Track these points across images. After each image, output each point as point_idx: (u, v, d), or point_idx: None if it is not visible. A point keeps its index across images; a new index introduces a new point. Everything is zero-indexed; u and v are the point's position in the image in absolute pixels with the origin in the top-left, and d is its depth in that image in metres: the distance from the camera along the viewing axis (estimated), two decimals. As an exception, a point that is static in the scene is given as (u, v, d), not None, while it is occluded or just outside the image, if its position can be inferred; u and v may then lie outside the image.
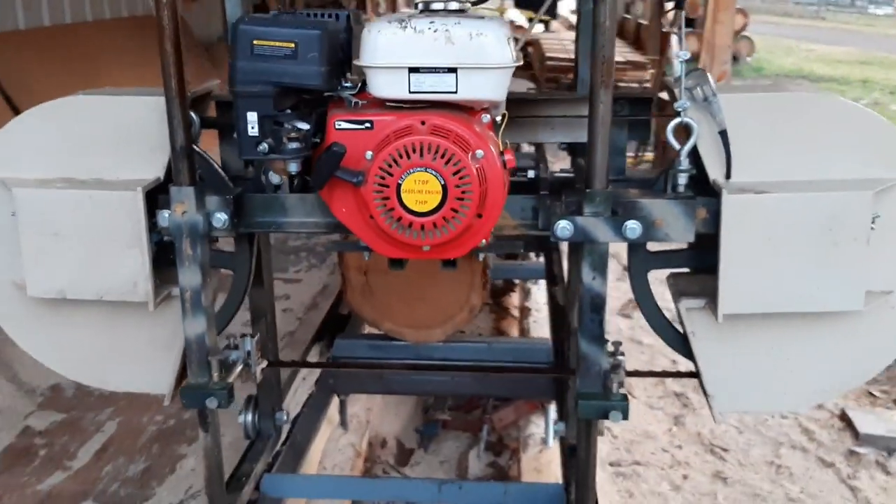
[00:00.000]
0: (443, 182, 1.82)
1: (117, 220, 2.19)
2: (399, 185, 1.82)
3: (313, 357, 3.59)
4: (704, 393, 2.31)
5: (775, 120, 2.14)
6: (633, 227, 2.07)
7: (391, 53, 1.82)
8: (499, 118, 1.96)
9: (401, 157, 1.82)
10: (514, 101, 2.31)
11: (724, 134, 2.12)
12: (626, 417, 2.14)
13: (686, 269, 2.42)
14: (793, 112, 2.13)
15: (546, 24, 19.24)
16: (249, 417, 2.85)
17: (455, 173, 1.82)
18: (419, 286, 3.35)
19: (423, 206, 1.83)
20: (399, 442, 4.01)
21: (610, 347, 2.23)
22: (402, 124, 1.85)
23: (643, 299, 2.31)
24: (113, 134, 2.26)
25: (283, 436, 3.04)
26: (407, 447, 4.00)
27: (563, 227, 2.08)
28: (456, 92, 1.84)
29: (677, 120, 2.12)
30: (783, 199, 2.07)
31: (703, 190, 2.15)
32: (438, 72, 1.82)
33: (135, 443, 4.38)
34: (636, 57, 12.71)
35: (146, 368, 2.39)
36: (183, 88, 2.01)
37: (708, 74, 2.14)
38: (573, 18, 19.51)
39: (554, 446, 3.66)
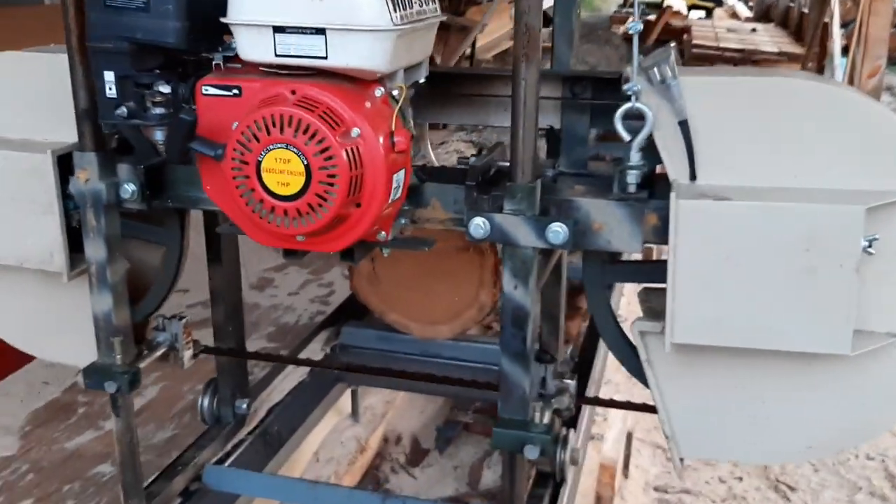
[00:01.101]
0: (306, 162, 1.56)
1: (31, 185, 2.06)
2: (259, 163, 1.58)
3: (318, 344, 3.41)
4: (663, 432, 1.94)
5: (754, 110, 1.73)
6: (556, 230, 1.73)
7: (255, 9, 1.58)
8: (397, 92, 1.67)
9: (259, 129, 1.57)
10: (462, 76, 2.02)
11: (683, 125, 1.74)
12: (544, 454, 1.82)
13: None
14: (777, 101, 1.72)
15: (709, 11, 18.21)
16: (206, 402, 2.69)
17: (319, 153, 1.55)
18: (427, 278, 3.09)
19: (285, 189, 1.58)
20: (415, 440, 3.78)
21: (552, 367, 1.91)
22: (270, 92, 1.60)
23: (599, 317, 1.96)
24: (46, 93, 2.13)
25: (255, 424, 2.87)
26: (423, 447, 3.75)
27: (478, 224, 1.77)
28: (326, 57, 1.57)
29: (627, 105, 1.76)
30: (748, 208, 1.68)
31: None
32: (305, 32, 1.56)
33: (169, 410, 4.35)
34: (793, 48, 11.75)
35: (72, 340, 2.26)
36: (83, 45, 1.84)
37: (672, 52, 1.76)
38: (739, 7, 18.41)
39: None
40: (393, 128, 1.64)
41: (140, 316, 2.30)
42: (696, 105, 1.75)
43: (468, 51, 9.23)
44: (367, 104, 1.65)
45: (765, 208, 1.67)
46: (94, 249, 2.04)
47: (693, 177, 1.78)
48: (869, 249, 1.65)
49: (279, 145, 1.56)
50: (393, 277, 3.14)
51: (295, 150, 1.56)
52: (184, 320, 2.26)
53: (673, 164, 1.79)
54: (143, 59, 1.64)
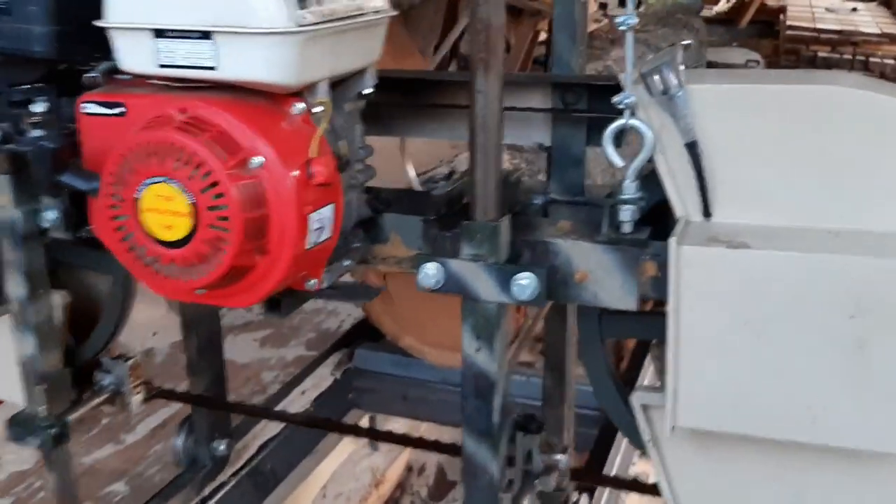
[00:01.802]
0: (191, 200, 1.23)
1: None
2: (137, 201, 1.26)
3: (328, 367, 3.11)
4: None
5: (786, 127, 1.32)
6: (522, 282, 1.36)
7: (131, 9, 1.25)
8: (319, 109, 1.32)
9: (136, 160, 1.25)
10: (435, 83, 1.66)
11: (692, 147, 1.34)
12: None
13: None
14: (815, 116, 1.30)
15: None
16: (180, 443, 2.41)
17: (206, 189, 1.22)
18: (444, 300, 2.75)
19: (169, 233, 1.26)
20: (440, 470, 3.45)
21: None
22: (157, 112, 1.28)
23: (595, 377, 1.58)
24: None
25: (241, 464, 2.58)
26: (449, 479, 3.42)
27: (428, 272, 1.41)
28: (215, 68, 1.23)
29: (619, 122, 1.36)
30: (773, 259, 1.27)
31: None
32: (190, 37, 1.23)
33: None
34: (896, 29, 10.81)
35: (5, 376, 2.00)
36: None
37: (679, 51, 1.36)
38: (843, -18, 17.22)
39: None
40: (313, 154, 1.29)
41: (88, 355, 2.03)
42: (711, 121, 1.34)
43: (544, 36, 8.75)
44: (285, 124, 1.30)
45: (795, 260, 1.26)
46: (13, 286, 1.77)
47: (707, 213, 1.38)
48: None
49: (158, 179, 1.24)
50: (408, 297, 2.81)
51: (177, 184, 1.23)
52: (130, 361, 1.97)
53: (680, 198, 1.39)
54: (11, 73, 1.34)
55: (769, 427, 1.33)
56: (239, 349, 4.41)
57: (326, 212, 1.34)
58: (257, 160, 1.24)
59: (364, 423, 3.29)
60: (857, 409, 1.27)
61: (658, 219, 1.42)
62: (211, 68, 1.23)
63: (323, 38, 1.26)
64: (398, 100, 1.70)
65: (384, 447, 3.37)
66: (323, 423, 2.24)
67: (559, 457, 1.66)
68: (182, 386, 2.47)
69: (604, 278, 1.39)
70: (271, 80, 1.23)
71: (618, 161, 1.37)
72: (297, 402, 2.92)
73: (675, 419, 1.38)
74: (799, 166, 1.32)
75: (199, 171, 1.22)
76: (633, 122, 1.35)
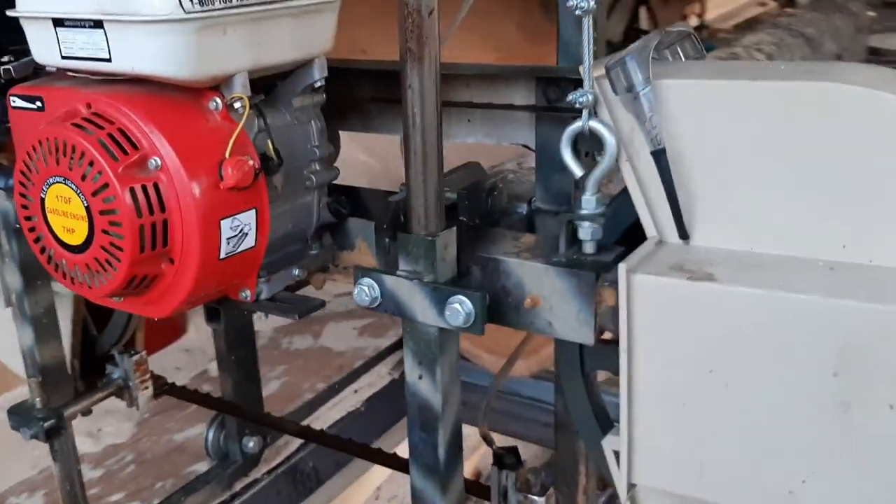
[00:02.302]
0: (86, 203, 1.14)
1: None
2: (43, 201, 1.19)
3: (386, 365, 3.00)
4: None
5: (778, 133, 1.08)
6: (455, 306, 1.18)
7: (35, -4, 1.17)
8: (240, 105, 1.19)
9: (38, 157, 1.17)
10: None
11: (658, 157, 1.12)
12: None
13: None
14: (814, 120, 1.05)
15: None
16: (211, 435, 2.38)
17: (98, 191, 1.13)
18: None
19: (71, 237, 1.18)
20: (509, 479, 3.27)
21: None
22: (68, 106, 1.20)
23: (577, 413, 1.38)
24: None
25: (280, 460, 2.53)
26: (517, 489, 3.24)
27: (363, 288, 1.26)
28: (110, 59, 1.13)
29: (576, 124, 1.16)
30: (740, 297, 1.03)
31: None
32: (84, 26, 1.13)
33: (284, 407, 4.16)
34: None
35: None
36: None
37: (652, 40, 1.14)
38: None
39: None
40: (227, 155, 1.17)
41: (105, 347, 2.01)
42: (686, 124, 1.12)
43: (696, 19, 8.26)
44: (201, 122, 1.19)
45: (766, 300, 1.02)
46: (11, 277, 1.76)
47: (683, 235, 1.15)
48: None
49: (57, 179, 1.16)
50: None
51: (73, 186, 1.14)
52: (136, 356, 1.93)
53: (653, 215, 1.17)
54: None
55: (738, 498, 1.10)
56: (337, 337, 4.39)
57: (245, 218, 1.22)
58: (155, 162, 1.13)
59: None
60: (841, 486, 1.02)
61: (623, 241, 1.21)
62: (107, 60, 1.13)
63: (232, 27, 1.13)
64: (385, 94, 1.56)
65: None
66: (340, 443, 2.12)
67: (535, 498, 1.47)
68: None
69: (559, 305, 1.20)
70: (163, 73, 1.11)
71: (576, 170, 1.17)
72: (348, 401, 2.83)
73: (632, 476, 1.17)
74: (792, 182, 1.08)
75: (91, 170, 1.13)
76: (593, 124, 1.15)
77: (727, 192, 1.12)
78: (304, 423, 2.68)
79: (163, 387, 2.04)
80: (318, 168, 1.38)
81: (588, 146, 1.18)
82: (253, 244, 1.25)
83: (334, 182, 1.42)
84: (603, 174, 1.16)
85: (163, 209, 1.15)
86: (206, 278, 1.21)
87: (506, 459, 1.47)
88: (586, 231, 1.18)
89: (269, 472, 2.47)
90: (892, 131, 1.00)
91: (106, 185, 1.12)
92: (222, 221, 1.18)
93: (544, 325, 1.22)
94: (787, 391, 1.03)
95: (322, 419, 2.73)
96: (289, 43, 1.24)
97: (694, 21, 9.01)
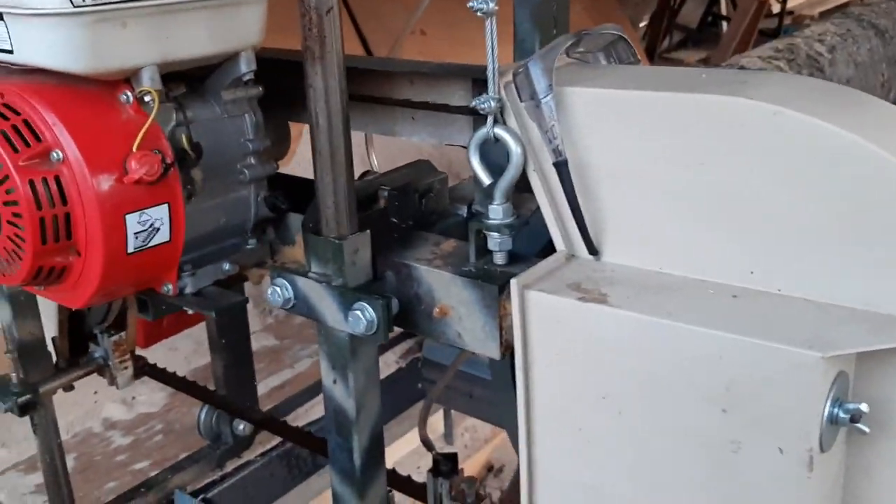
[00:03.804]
0: (-9, 194, 1.15)
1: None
2: (-42, 190, 1.20)
3: (395, 353, 2.98)
4: None
5: (683, 149, 1.00)
6: (356, 313, 1.15)
7: (-51, -16, 1.17)
8: (149, 98, 1.17)
9: (-49, 146, 1.18)
10: (360, 72, 1.46)
11: (560, 167, 1.05)
12: None
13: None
14: (719, 137, 0.97)
15: None
16: (204, 415, 2.40)
17: None
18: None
19: (-15, 226, 1.18)
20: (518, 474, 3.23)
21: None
22: (-15, 96, 1.20)
23: (509, 425, 1.34)
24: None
25: (275, 444, 2.54)
26: (527, 483, 3.20)
27: (276, 288, 1.24)
28: (12, 51, 1.13)
29: (482, 131, 1.10)
30: (629, 322, 0.97)
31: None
32: (-10, 17, 1.13)
33: (305, 384, 4.20)
34: None
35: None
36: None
37: (563, 43, 1.07)
38: None
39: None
40: (134, 148, 1.16)
41: (92, 324, 2.04)
42: (591, 134, 1.05)
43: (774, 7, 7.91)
44: (111, 115, 1.18)
45: (655, 327, 0.95)
46: (-13, 253, 1.79)
47: (592, 250, 1.09)
48: (859, 426, 0.88)
49: (-36, 169, 1.16)
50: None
51: (-21, 176, 1.14)
52: (116, 336, 1.95)
53: (562, 229, 1.11)
54: None
55: (631, 531, 1.04)
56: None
57: (155, 213, 1.20)
58: (57, 154, 1.13)
59: (439, 417, 3.14)
60: (726, 529, 0.95)
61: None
62: (9, 51, 1.13)
63: (133, 20, 1.11)
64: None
65: (462, 440, 3.21)
66: (315, 442, 2.10)
67: (474, 513, 1.43)
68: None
69: (466, 317, 1.15)
70: (59, 66, 1.10)
71: (483, 178, 1.12)
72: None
73: (531, 502, 1.12)
74: (698, 201, 1.00)
75: (-9, 162, 1.12)
76: (498, 131, 1.09)
77: (634, 208, 1.05)
78: (308, 405, 2.68)
79: (143, 368, 2.05)
80: (252, 162, 1.36)
81: (497, 154, 1.12)
82: (167, 239, 1.23)
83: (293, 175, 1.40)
84: (509, 184, 1.10)
85: (64, 202, 1.14)
86: (115, 272, 1.20)
87: (441, 466, 1.43)
88: (494, 241, 1.12)
89: (262, 454, 2.48)
90: (798, 152, 0.92)
91: (7, 177, 1.12)
92: (128, 216, 1.17)
93: (454, 336, 1.17)
94: (677, 425, 0.96)
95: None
96: (205, 37, 1.21)
97: (776, 7, 8.57)
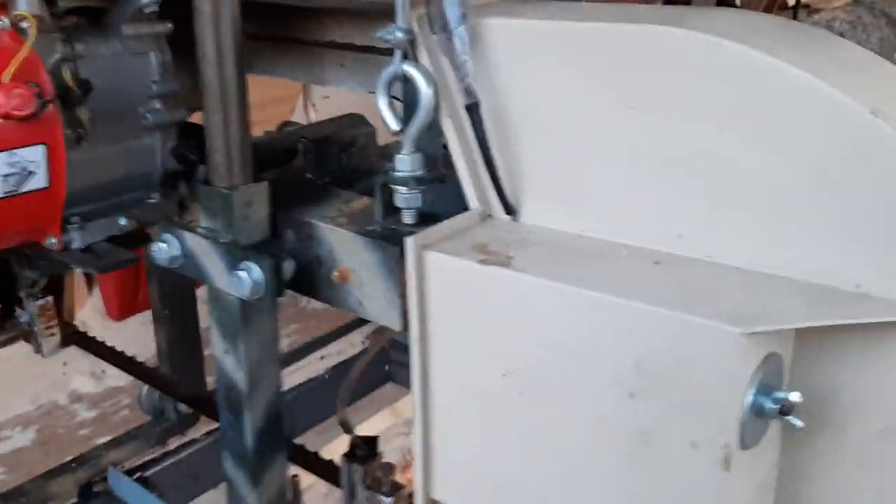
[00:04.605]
0: None
1: None
2: None
3: (360, 335, 2.85)
4: None
5: (609, 91, 0.86)
6: (240, 274, 1.01)
7: None
8: (26, 25, 1.04)
9: None
10: (287, 10, 1.33)
11: (471, 111, 0.92)
12: None
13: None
14: (652, 76, 0.83)
15: None
16: (145, 390, 2.27)
17: None
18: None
19: None
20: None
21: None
22: None
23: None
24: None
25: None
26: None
27: (161, 245, 1.10)
28: None
29: (391, 68, 0.96)
30: (535, 289, 0.83)
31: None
32: None
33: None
34: None
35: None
36: None
37: (481, -30, 0.93)
38: None
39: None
40: (6, 78, 1.03)
41: (23, 288, 1.92)
42: (510, 74, 0.92)
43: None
44: (-5, 41, 1.05)
45: (563, 295, 0.81)
46: None
47: (508, 210, 0.95)
48: (790, 419, 0.74)
49: None
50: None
51: None
52: (43, 300, 1.83)
53: (475, 184, 0.97)
54: None
55: (533, 527, 0.90)
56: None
57: (29, 154, 1.07)
58: (-86, 82, 0.99)
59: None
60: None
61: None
62: None
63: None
64: (270, 31, 1.38)
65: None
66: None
67: (384, 499, 1.29)
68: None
69: (368, 282, 1.01)
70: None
71: (392, 123, 0.98)
72: (312, 367, 2.69)
73: (431, 489, 0.98)
74: (624, 153, 0.86)
75: None
76: (406, 68, 0.95)
77: (555, 161, 0.91)
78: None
79: (72, 336, 1.93)
80: (158, 106, 1.23)
81: (407, 95, 0.99)
82: (44, 185, 1.10)
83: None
84: (418, 130, 0.96)
85: (-76, 137, 1.01)
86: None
87: (358, 451, 1.30)
88: (402, 197, 0.98)
89: (208, 433, 2.35)
90: (737, 92, 0.78)
91: None
92: (-2, 155, 1.03)
93: (355, 303, 1.04)
94: (582, 411, 0.83)
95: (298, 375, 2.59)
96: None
97: (791, -2, 8.39)
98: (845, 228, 0.75)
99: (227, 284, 1.05)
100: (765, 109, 0.77)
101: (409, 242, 0.89)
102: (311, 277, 1.06)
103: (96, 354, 2.04)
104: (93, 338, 2.05)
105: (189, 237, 1.08)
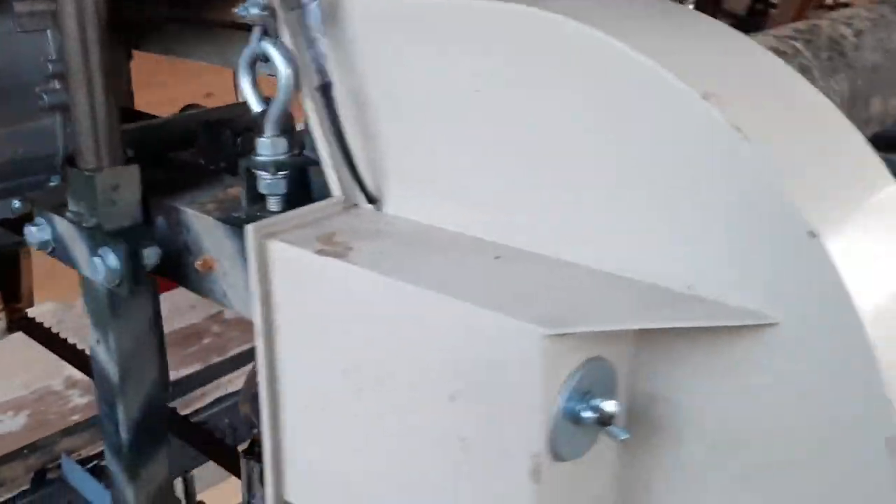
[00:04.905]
0: None
1: None
2: None
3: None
4: None
5: (462, 71, 0.81)
6: (95, 260, 0.97)
7: None
8: None
9: None
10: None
11: (323, 92, 0.87)
12: None
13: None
14: (499, 57, 0.78)
15: None
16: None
17: None
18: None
19: None
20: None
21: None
22: None
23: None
24: None
25: (189, 412, 2.39)
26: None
27: (32, 229, 1.07)
28: None
29: (251, 46, 0.92)
30: (368, 283, 0.78)
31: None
32: None
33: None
34: None
35: None
36: None
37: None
38: None
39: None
40: None
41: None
42: (368, 51, 0.86)
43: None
44: None
45: (391, 289, 0.76)
46: None
47: (370, 199, 0.90)
48: (611, 430, 0.68)
49: None
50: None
51: None
52: (-16, 285, 1.81)
53: (334, 170, 0.92)
54: None
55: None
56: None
57: None
58: None
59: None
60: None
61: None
62: None
63: None
64: (184, 14, 1.35)
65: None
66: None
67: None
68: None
69: (230, 271, 0.97)
70: None
71: (254, 104, 0.93)
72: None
73: (284, 491, 0.93)
74: (473, 137, 0.81)
75: None
76: (264, 46, 0.90)
77: (411, 148, 0.86)
78: (233, 374, 2.52)
79: (19, 321, 1.91)
80: (56, 87, 1.19)
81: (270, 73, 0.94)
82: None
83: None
84: (279, 112, 0.92)
85: None
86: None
87: (256, 447, 1.25)
88: (264, 183, 0.94)
89: (168, 425, 2.33)
90: (581, 75, 0.72)
91: None
92: None
93: (221, 294, 1.00)
94: (411, 412, 0.77)
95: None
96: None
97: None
98: (676, 226, 0.68)
99: (86, 268, 1.01)
100: (603, 94, 0.71)
101: (249, 230, 0.84)
102: (180, 266, 1.02)
103: (41, 342, 2.02)
104: (40, 324, 2.03)
105: (58, 221, 1.04)
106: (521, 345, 0.66)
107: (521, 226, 0.79)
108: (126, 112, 1.22)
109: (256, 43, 0.91)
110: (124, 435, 1.10)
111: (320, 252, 0.81)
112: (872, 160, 0.73)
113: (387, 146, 0.88)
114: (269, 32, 0.91)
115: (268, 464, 0.93)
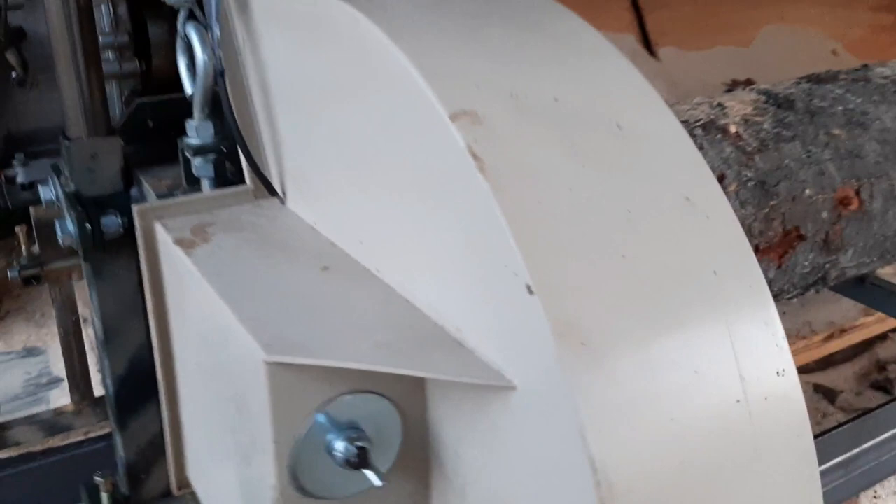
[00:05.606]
0: None
1: None
2: None
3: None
4: None
5: (314, 66, 0.76)
6: (61, 223, 1.04)
7: None
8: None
9: None
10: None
11: (217, 78, 0.86)
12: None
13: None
14: (317, 52, 0.72)
15: None
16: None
17: None
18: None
19: None
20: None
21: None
22: None
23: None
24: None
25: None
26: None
27: (44, 189, 1.17)
28: None
29: (178, 29, 0.92)
30: (193, 277, 0.77)
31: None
32: None
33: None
34: None
35: None
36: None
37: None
38: None
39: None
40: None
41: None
42: (266, 43, 0.84)
43: None
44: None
45: (199, 287, 0.75)
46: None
47: (272, 191, 0.89)
48: (370, 478, 0.63)
49: None
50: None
51: None
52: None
53: (254, 156, 0.91)
54: None
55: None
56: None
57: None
58: None
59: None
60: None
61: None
62: None
63: None
64: None
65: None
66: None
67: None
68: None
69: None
70: None
71: (186, 86, 0.94)
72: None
73: (181, 469, 0.96)
74: (320, 139, 0.76)
75: None
76: (188, 28, 0.90)
77: (292, 144, 0.83)
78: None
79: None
80: (109, 57, 1.28)
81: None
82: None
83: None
84: (203, 95, 0.92)
85: None
86: None
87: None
88: (196, 166, 0.95)
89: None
90: (376, 81, 0.65)
91: None
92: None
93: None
94: (213, 404, 0.76)
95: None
96: None
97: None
98: (440, 260, 0.60)
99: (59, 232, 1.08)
100: (380, 100, 0.64)
101: (135, 210, 0.86)
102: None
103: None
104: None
105: (59, 182, 1.12)
106: (256, 366, 0.62)
107: (356, 237, 0.74)
108: (151, 84, 1.27)
109: (182, 24, 0.91)
110: (111, 386, 1.18)
111: (177, 241, 0.81)
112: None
113: (282, 139, 0.85)
114: (195, 16, 0.90)
115: (168, 441, 0.95)
